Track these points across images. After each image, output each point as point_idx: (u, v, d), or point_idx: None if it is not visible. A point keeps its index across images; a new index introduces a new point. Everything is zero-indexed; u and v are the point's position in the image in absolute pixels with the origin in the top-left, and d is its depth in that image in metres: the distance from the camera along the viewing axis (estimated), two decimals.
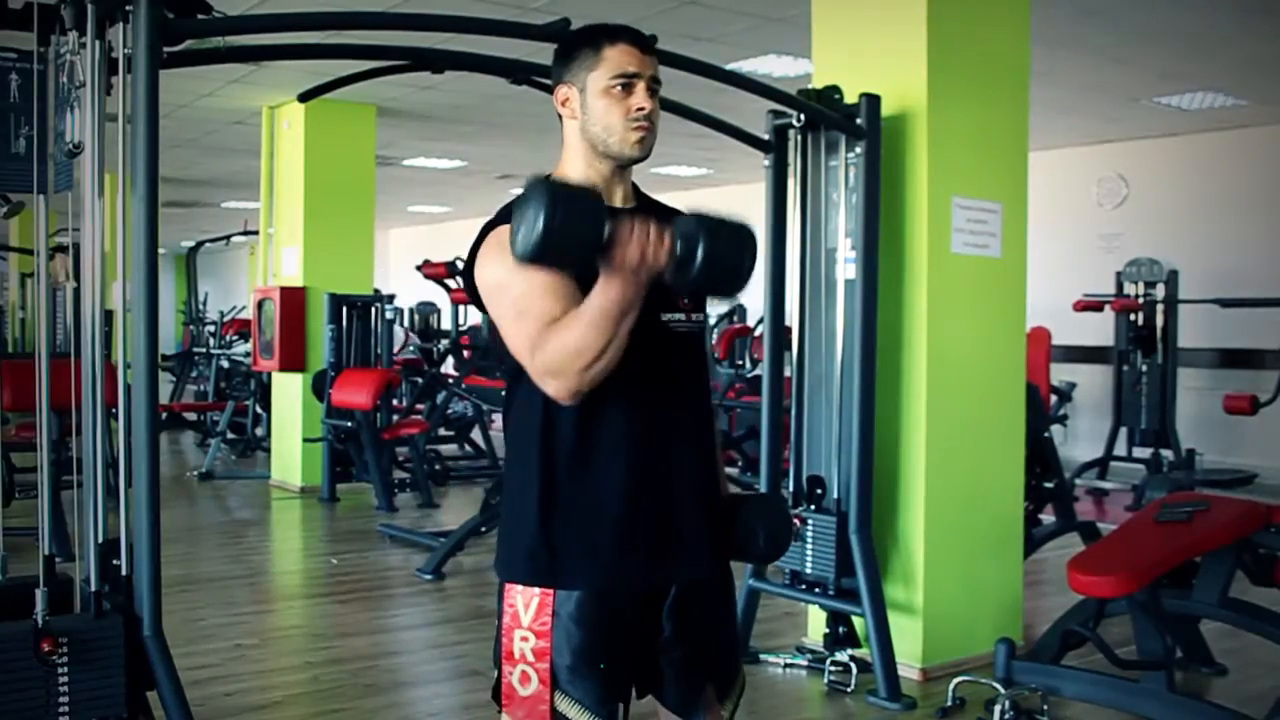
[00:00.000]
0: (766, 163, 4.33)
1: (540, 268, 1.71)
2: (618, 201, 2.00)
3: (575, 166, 1.98)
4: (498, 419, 8.90)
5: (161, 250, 3.28)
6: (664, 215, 2.08)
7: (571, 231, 1.66)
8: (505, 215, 1.93)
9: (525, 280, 1.79)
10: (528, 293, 1.81)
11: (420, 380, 9.96)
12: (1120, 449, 8.82)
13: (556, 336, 1.76)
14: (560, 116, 2.00)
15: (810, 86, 4.24)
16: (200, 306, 14.19)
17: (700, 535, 2.02)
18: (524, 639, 1.93)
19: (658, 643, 1.99)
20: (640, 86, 1.93)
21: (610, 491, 1.92)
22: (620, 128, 1.92)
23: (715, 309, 10.54)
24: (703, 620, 2.03)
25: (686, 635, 2.00)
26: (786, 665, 4.26)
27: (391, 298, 8.67)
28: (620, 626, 1.94)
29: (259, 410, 10.14)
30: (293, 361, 8.45)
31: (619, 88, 1.92)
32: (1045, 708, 3.59)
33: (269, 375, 9.26)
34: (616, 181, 1.99)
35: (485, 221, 1.95)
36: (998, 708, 3.54)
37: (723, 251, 1.72)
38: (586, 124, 1.95)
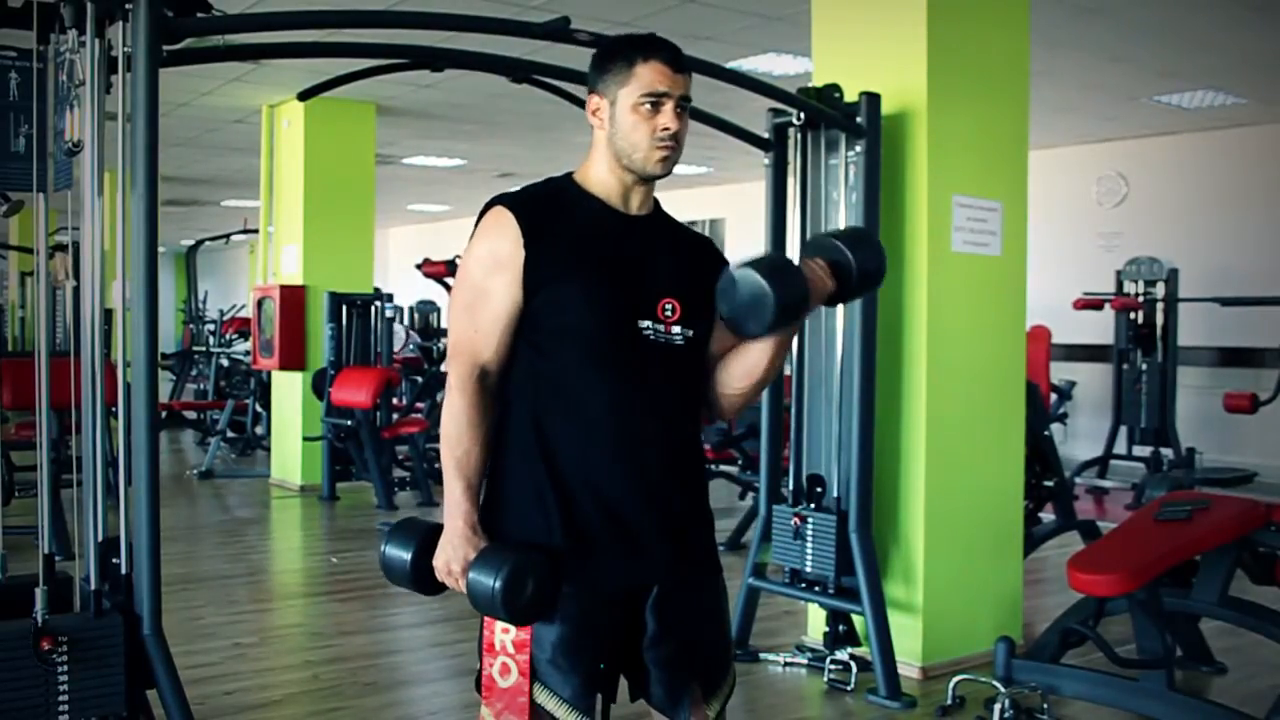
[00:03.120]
0: (766, 161, 4.34)
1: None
2: (634, 209, 2.02)
3: (599, 170, 2.01)
4: None
5: (161, 249, 3.28)
6: (674, 231, 2.09)
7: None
8: (507, 198, 1.97)
9: (484, 282, 1.94)
10: (483, 296, 1.94)
11: (420, 379, 9.95)
12: (1120, 447, 8.82)
13: (450, 414, 1.95)
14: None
15: (810, 85, 4.24)
16: (200, 305, 14.18)
17: (672, 540, 2.01)
18: (504, 631, 1.96)
19: (642, 640, 1.99)
20: (669, 106, 1.93)
21: (584, 494, 1.93)
22: (645, 146, 1.94)
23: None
24: (687, 618, 2.02)
25: (670, 633, 2.00)
26: (786, 664, 4.26)
27: (390, 296, 8.67)
28: (599, 622, 1.95)
29: (259, 409, 10.14)
30: (292, 360, 8.45)
31: (647, 106, 1.93)
32: (1045, 706, 3.59)
33: (269, 374, 9.26)
34: (637, 190, 2.01)
35: (488, 199, 1.99)
36: (997, 706, 3.54)
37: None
38: (613, 136, 1.96)
